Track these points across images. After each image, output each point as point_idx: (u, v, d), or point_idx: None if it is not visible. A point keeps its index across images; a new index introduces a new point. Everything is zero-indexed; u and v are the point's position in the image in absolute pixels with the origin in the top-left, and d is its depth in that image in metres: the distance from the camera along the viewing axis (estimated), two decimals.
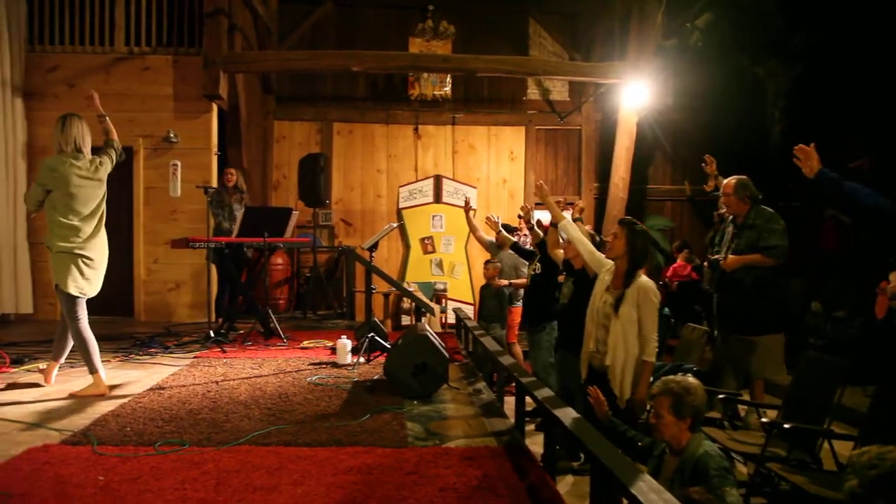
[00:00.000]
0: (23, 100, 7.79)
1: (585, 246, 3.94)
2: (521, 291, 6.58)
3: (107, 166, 4.52)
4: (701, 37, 8.79)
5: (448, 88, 10.00)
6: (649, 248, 3.71)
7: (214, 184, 7.80)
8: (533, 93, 10.34)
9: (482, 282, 7.08)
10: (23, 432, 3.51)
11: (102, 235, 4.46)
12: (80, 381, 4.63)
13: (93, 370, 4.36)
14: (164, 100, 8.04)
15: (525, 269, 6.39)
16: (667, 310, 6.96)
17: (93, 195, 4.38)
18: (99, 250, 4.42)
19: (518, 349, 6.67)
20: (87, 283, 4.34)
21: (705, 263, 5.11)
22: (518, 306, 6.68)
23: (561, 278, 4.88)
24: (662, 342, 4.30)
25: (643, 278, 3.54)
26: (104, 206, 4.48)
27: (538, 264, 5.20)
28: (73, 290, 4.28)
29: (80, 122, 4.41)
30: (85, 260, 4.31)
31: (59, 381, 4.57)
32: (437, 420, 3.93)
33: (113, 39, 8.08)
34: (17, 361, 5.16)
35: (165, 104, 8.04)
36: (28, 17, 7.93)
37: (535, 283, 5.27)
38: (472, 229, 6.81)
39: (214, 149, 8.14)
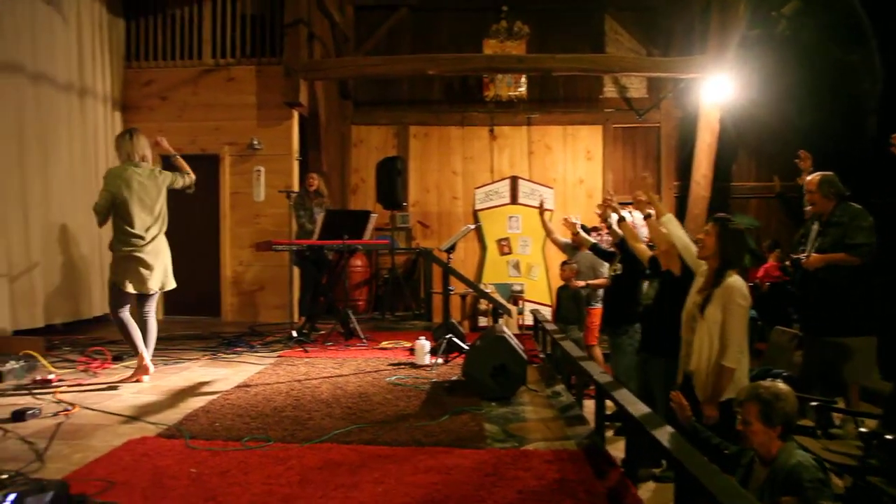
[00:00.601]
0: (121, 113, 8.32)
1: (683, 241, 3.82)
2: (600, 292, 6.45)
3: (167, 177, 4.88)
4: (788, 26, 8.37)
5: (523, 89, 9.93)
6: (742, 249, 3.54)
7: (296, 188, 8.04)
8: (610, 90, 10.13)
9: (560, 283, 6.98)
10: (123, 425, 3.73)
11: (162, 240, 4.85)
12: (172, 377, 4.95)
13: (136, 353, 4.75)
14: (247, 108, 8.38)
15: (603, 270, 6.25)
16: (753, 312, 6.68)
17: (152, 201, 4.75)
18: (157, 254, 4.78)
19: (598, 352, 6.52)
20: (145, 282, 4.72)
21: (787, 262, 4.88)
22: (596, 307, 6.54)
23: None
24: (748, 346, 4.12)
25: (733, 278, 3.36)
26: (165, 212, 4.85)
27: (619, 265, 5.07)
28: (130, 289, 4.67)
29: (142, 135, 4.86)
30: (143, 262, 4.69)
31: (154, 378, 4.83)
32: (516, 422, 3.91)
33: (201, 53, 8.50)
34: (117, 358, 5.49)
35: (249, 112, 8.38)
36: (126, 36, 8.47)
37: (616, 285, 5.13)
38: (547, 231, 6.73)
39: (296, 154, 8.41)
